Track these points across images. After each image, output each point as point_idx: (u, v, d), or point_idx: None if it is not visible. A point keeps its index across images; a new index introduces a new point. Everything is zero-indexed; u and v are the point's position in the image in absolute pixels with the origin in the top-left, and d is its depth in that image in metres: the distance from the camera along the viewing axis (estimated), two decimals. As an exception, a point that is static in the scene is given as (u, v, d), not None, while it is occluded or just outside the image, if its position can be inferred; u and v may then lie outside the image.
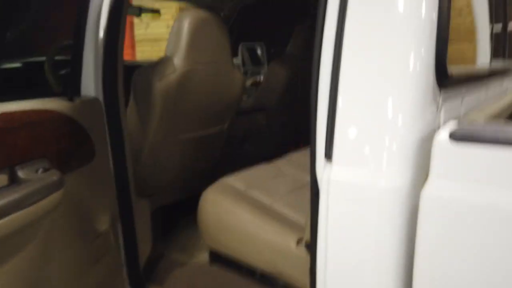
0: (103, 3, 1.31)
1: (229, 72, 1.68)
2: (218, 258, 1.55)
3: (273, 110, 2.37)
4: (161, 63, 1.49)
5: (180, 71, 1.47)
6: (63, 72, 2.00)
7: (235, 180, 1.52)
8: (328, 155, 0.76)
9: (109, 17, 1.31)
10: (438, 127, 0.72)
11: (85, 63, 1.31)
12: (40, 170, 0.97)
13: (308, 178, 1.63)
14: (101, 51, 1.31)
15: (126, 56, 3.28)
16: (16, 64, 2.32)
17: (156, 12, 2.54)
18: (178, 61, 1.48)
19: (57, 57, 1.55)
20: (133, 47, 5.38)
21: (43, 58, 1.51)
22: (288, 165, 1.76)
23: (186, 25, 1.46)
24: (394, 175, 0.69)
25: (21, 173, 0.94)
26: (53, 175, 0.98)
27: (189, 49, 1.48)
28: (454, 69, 0.75)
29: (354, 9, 0.72)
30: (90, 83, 1.32)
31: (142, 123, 1.56)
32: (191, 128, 1.67)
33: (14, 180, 0.93)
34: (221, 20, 1.59)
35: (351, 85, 0.73)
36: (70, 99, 1.20)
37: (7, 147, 0.93)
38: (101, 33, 1.31)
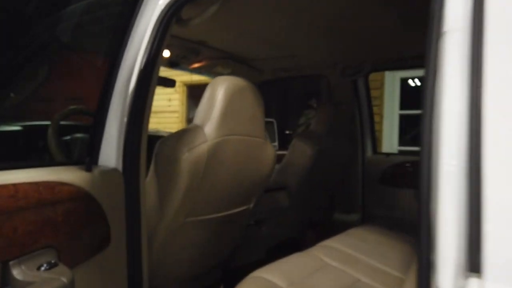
0: (134, 66, 1.17)
1: (261, 146, 1.50)
2: None
3: (295, 189, 2.15)
4: (189, 132, 1.30)
5: (211, 142, 1.28)
6: (65, 138, 1.82)
7: (272, 275, 1.24)
8: (474, 266, 0.53)
9: (138, 81, 1.16)
10: None
11: (107, 130, 1.12)
12: (44, 267, 0.71)
13: (355, 273, 1.38)
14: (126, 118, 1.14)
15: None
16: (16, 128, 2.14)
17: (171, 83, 2.43)
18: (209, 130, 1.30)
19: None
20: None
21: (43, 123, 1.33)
22: (325, 255, 1.49)
23: (221, 92, 1.31)
24: None
25: (16, 272, 0.67)
26: (62, 275, 0.71)
27: (222, 119, 1.31)
28: None
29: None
30: (111, 152, 1.12)
31: (161, 200, 1.32)
32: (216, 207, 1.43)
33: (5, 282, 0.66)
34: (258, 91, 1.45)
35: (503, 171, 0.53)
36: (88, 169, 0.99)
37: (3, 236, 0.68)
38: (129, 99, 1.15)
